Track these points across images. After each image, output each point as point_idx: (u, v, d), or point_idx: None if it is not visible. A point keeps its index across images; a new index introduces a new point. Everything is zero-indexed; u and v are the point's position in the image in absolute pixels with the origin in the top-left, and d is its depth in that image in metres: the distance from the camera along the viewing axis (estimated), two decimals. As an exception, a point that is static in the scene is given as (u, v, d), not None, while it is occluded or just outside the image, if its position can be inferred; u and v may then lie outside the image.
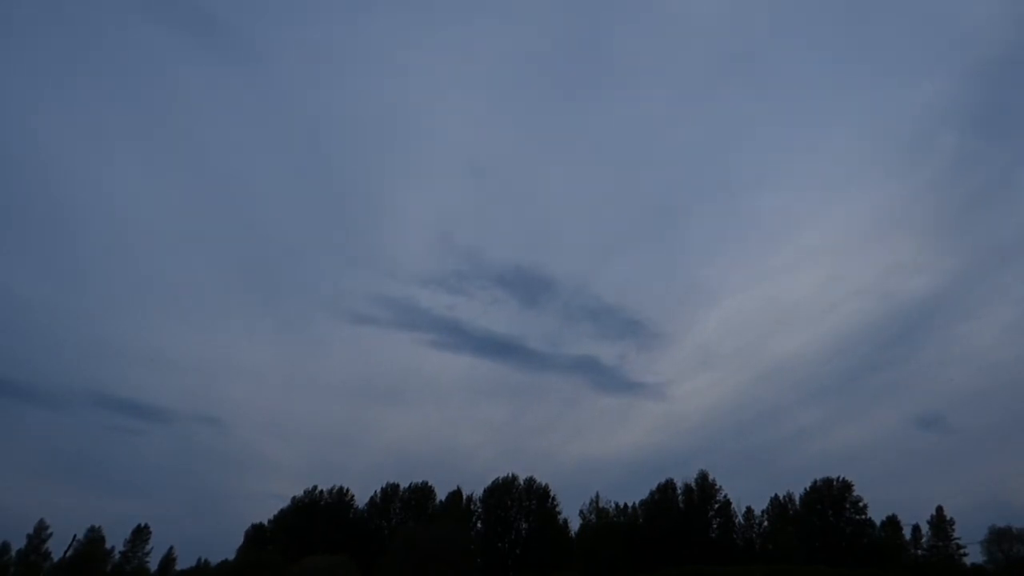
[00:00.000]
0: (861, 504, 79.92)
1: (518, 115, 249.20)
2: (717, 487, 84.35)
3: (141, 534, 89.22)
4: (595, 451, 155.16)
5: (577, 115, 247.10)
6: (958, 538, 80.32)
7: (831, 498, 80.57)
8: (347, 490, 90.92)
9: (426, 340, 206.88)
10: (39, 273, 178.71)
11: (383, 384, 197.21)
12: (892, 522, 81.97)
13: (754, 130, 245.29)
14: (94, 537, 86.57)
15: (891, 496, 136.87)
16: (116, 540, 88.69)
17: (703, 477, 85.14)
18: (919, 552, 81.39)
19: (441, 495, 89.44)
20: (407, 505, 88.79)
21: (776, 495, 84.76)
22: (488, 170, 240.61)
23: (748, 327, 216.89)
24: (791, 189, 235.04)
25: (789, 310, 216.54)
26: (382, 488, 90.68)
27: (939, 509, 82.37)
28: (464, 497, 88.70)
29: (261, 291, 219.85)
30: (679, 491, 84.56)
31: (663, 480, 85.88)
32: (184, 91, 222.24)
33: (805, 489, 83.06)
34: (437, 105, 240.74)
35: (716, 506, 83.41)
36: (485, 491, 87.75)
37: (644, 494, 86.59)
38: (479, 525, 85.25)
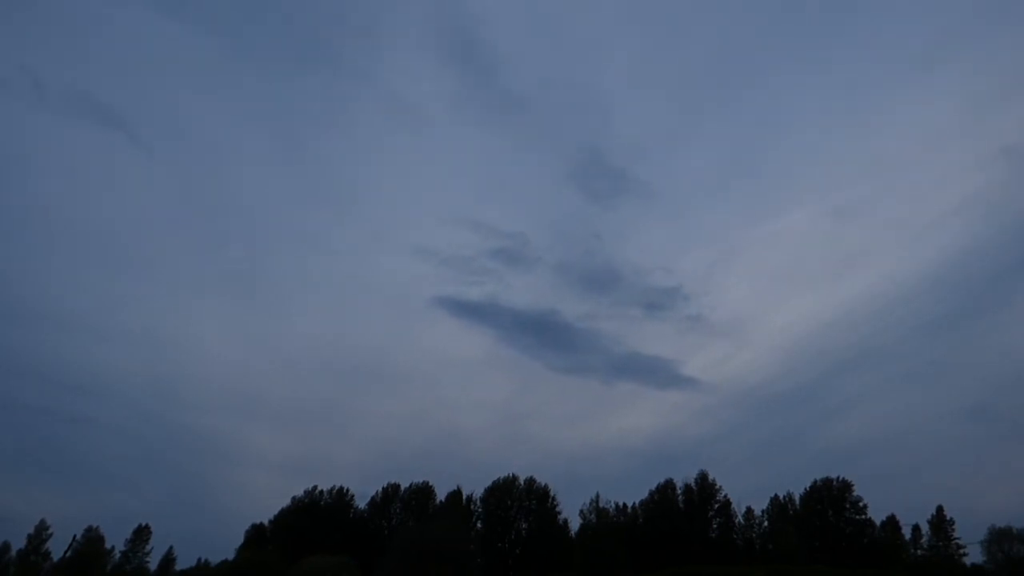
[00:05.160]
0: (861, 504, 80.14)
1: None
2: (717, 487, 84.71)
3: (141, 534, 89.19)
4: (612, 438, 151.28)
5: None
6: (958, 538, 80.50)
7: (831, 498, 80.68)
8: (347, 490, 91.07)
9: (447, 306, 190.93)
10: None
11: (378, 361, 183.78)
12: (892, 522, 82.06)
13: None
14: (93, 537, 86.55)
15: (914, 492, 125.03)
16: (116, 540, 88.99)
17: (703, 477, 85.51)
18: (919, 552, 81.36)
19: (441, 495, 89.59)
20: (407, 505, 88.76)
21: (776, 495, 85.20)
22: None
23: (794, 278, 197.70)
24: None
25: (852, 245, 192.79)
26: (382, 488, 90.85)
27: (939, 509, 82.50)
28: (464, 497, 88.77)
29: (216, 242, 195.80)
30: (679, 491, 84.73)
31: (663, 480, 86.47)
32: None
33: (805, 489, 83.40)
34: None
35: (716, 506, 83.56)
36: (485, 491, 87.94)
37: (656, 485, 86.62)
38: (479, 525, 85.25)
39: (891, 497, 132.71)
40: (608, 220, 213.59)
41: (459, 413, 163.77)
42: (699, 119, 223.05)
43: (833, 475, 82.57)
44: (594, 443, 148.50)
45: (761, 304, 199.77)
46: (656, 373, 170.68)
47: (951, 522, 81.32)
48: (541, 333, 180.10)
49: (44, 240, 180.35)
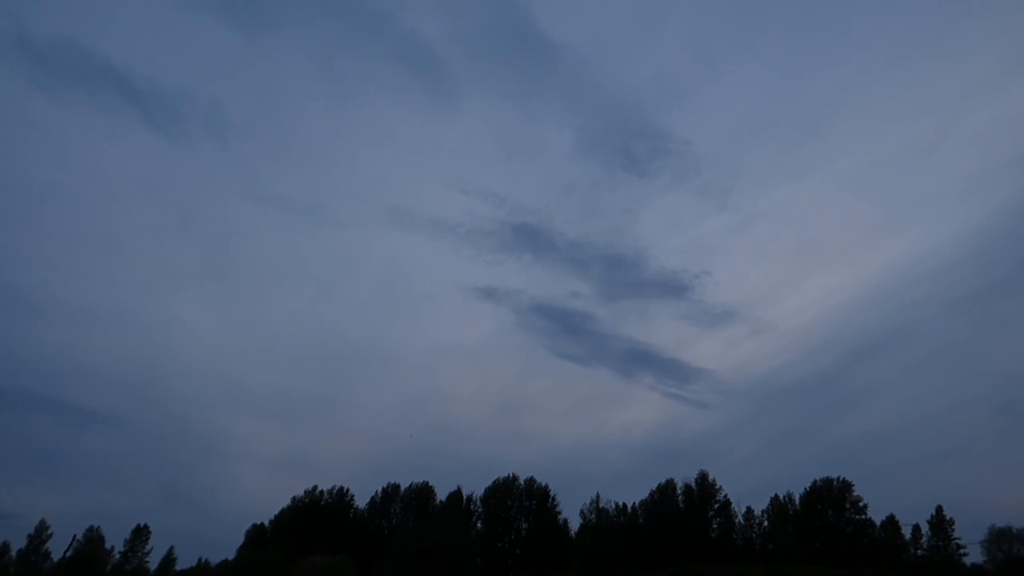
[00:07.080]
0: (861, 504, 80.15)
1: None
2: (717, 487, 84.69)
3: (141, 534, 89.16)
4: (615, 433, 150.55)
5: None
6: (958, 538, 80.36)
7: (831, 498, 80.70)
8: (347, 490, 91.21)
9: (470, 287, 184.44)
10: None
11: (382, 351, 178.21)
12: (892, 522, 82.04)
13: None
14: (93, 537, 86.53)
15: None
16: (116, 540, 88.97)
17: (703, 477, 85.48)
18: (919, 552, 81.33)
19: (441, 495, 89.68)
20: (407, 505, 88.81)
21: (776, 495, 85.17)
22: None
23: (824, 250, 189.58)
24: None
25: (879, 215, 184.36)
26: (382, 488, 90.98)
27: (939, 509, 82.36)
28: (464, 497, 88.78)
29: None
30: (679, 491, 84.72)
31: (664, 479, 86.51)
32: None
33: (805, 489, 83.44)
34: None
35: (716, 506, 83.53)
36: (485, 491, 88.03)
37: (656, 484, 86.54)
38: (479, 525, 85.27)
39: (891, 496, 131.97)
40: (628, 197, 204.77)
41: (463, 407, 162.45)
42: (720, 73, 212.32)
43: (835, 473, 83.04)
44: (597, 438, 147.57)
45: (780, 284, 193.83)
46: (666, 363, 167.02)
47: (951, 522, 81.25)
48: (557, 318, 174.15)
49: (38, 230, 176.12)
